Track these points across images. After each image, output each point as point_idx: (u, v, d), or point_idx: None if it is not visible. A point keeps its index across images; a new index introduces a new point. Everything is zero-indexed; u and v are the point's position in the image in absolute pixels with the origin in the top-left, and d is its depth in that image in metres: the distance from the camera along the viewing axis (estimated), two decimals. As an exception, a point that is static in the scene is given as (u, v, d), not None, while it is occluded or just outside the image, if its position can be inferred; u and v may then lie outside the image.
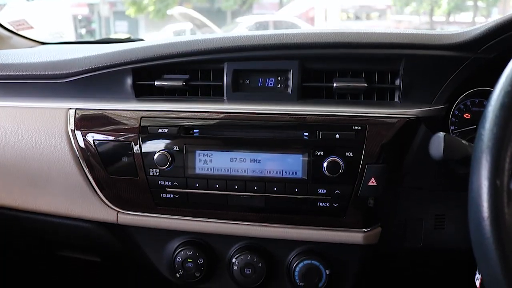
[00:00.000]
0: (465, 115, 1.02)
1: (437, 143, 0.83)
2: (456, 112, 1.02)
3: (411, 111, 0.95)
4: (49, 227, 1.17)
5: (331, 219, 0.99)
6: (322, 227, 1.00)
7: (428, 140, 0.88)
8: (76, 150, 1.05)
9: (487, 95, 0.68)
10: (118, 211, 1.07)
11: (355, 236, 0.99)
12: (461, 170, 0.88)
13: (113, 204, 1.07)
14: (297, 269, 1.01)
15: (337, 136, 0.94)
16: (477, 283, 0.95)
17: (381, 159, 0.94)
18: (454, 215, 1.04)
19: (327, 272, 1.00)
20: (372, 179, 0.94)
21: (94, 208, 1.08)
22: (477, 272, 0.95)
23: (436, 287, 1.29)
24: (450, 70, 0.96)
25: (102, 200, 1.07)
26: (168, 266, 1.07)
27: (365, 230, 1.00)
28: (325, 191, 0.96)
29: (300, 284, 1.01)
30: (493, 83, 0.68)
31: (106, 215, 1.08)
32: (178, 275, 1.05)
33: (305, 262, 1.01)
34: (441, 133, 0.83)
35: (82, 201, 1.09)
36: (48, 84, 1.10)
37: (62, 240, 1.27)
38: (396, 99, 1.00)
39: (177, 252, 1.05)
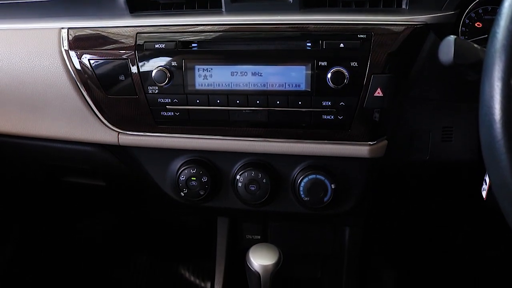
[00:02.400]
0: (476, 24, 0.97)
1: (447, 46, 0.80)
2: (467, 21, 0.97)
3: (419, 18, 0.91)
4: (51, 153, 1.17)
5: (336, 132, 0.97)
6: (327, 140, 0.98)
7: (437, 49, 0.84)
8: (72, 71, 1.02)
9: (500, 1, 0.63)
10: (119, 132, 1.05)
11: (360, 149, 0.98)
12: (471, 76, 0.85)
13: (113, 125, 1.05)
14: (302, 184, 1.00)
15: (342, 45, 0.90)
16: (484, 193, 0.95)
17: (387, 69, 0.91)
18: (462, 126, 1.02)
19: (333, 186, 1.00)
20: (378, 90, 0.91)
21: (95, 130, 1.06)
22: (483, 183, 0.95)
23: (442, 200, 1.30)
24: None
25: (102, 122, 1.05)
26: (172, 186, 1.07)
27: (371, 143, 0.98)
28: (329, 103, 0.93)
29: (305, 199, 1.01)
30: None
31: (107, 137, 1.06)
32: (183, 194, 1.04)
33: (310, 177, 1.00)
34: (452, 36, 0.79)
35: (82, 124, 1.07)
36: (36, 4, 1.06)
37: (65, 165, 1.27)
38: (403, 6, 0.95)
39: (180, 171, 1.04)
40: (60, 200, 1.88)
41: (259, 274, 0.90)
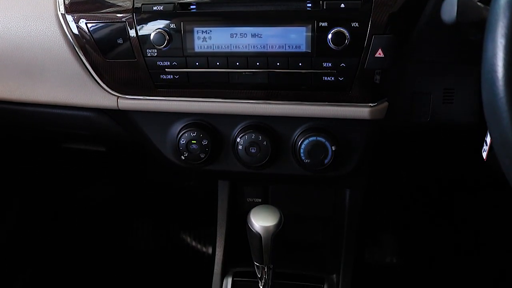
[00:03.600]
0: None
1: (450, 5, 0.78)
2: None
3: None
4: (51, 119, 1.16)
5: (337, 94, 0.96)
6: (328, 102, 0.98)
7: (439, 9, 0.83)
8: (69, 36, 1.01)
9: None
10: (118, 96, 1.05)
11: (361, 111, 0.97)
12: (474, 36, 0.84)
13: (113, 89, 1.04)
14: (303, 146, 0.99)
15: (342, 5, 0.88)
16: (484, 154, 0.95)
17: (388, 30, 0.89)
18: (463, 88, 1.02)
19: (333, 148, 0.99)
20: (379, 51, 0.90)
21: (94, 94, 1.05)
22: (484, 144, 0.95)
23: (442, 163, 1.30)
24: None
25: (101, 86, 1.04)
26: (172, 149, 1.06)
27: (372, 104, 0.97)
28: (330, 64, 0.92)
29: (306, 161, 1.01)
30: None
31: (106, 101, 1.06)
32: (183, 157, 1.04)
33: (310, 139, 0.99)
34: None
35: (80, 89, 1.06)
36: None
37: (65, 131, 1.27)
38: None
39: (180, 134, 1.03)
40: (61, 168, 1.89)
41: (260, 235, 0.91)
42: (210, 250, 1.92)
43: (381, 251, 1.91)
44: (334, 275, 1.18)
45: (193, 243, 1.99)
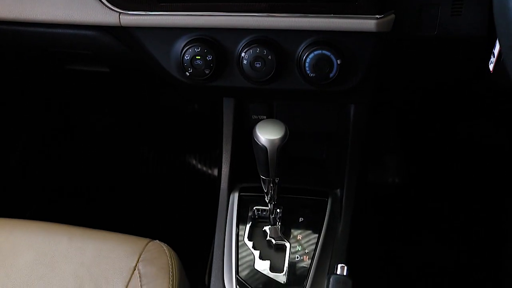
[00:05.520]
0: None
1: None
2: None
3: None
4: (53, 39, 1.15)
5: (342, 5, 0.94)
6: (333, 14, 0.96)
7: None
8: None
9: None
10: (120, 12, 1.02)
11: (367, 23, 0.95)
12: None
13: (114, 5, 1.02)
14: (308, 59, 0.98)
15: None
16: (491, 66, 0.94)
17: None
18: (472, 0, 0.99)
19: (338, 62, 0.98)
20: None
21: (95, 11, 1.04)
22: (491, 56, 0.94)
23: (448, 76, 1.29)
24: None
25: (102, 1, 1.02)
26: (177, 66, 1.05)
27: (378, 16, 0.95)
28: None
29: (311, 75, 1.00)
30: None
31: (107, 18, 1.04)
32: (188, 74, 1.04)
33: (315, 52, 0.98)
34: None
35: (81, 5, 1.04)
36: None
37: (67, 51, 1.25)
38: None
39: (184, 50, 1.02)
40: (65, 91, 1.89)
41: (266, 148, 0.91)
42: (215, 172, 1.95)
43: (384, 172, 1.94)
44: (338, 190, 1.21)
45: (199, 166, 2.02)
